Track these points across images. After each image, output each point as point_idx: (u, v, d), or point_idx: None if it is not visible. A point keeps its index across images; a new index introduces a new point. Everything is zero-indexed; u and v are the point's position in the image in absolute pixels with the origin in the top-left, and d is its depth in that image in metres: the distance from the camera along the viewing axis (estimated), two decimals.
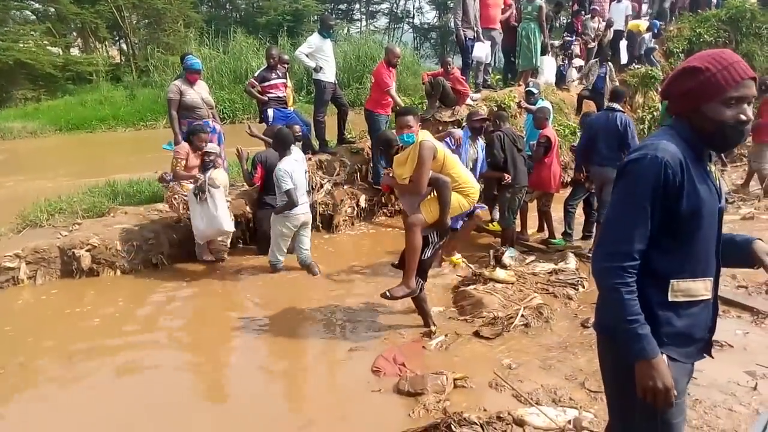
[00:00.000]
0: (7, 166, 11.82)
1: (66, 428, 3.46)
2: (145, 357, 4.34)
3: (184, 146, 6.08)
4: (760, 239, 1.94)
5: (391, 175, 4.39)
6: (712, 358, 1.96)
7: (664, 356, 1.78)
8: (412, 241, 4.12)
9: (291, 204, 5.63)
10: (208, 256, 6.23)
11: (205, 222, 5.76)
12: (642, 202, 1.75)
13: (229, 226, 5.95)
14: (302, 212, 5.79)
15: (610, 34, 11.72)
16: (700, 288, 1.83)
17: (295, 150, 6.08)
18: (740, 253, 1.93)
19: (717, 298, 1.93)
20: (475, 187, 4.45)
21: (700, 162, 1.80)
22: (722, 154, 8.37)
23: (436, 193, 4.17)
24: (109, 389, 3.87)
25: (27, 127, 16.80)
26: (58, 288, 5.60)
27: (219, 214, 5.75)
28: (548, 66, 10.45)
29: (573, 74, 10.97)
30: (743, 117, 1.71)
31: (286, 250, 5.97)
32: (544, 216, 6.76)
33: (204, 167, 5.94)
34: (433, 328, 4.49)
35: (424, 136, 4.17)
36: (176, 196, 6.07)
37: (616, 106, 6.05)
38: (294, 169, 5.70)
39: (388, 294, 4.22)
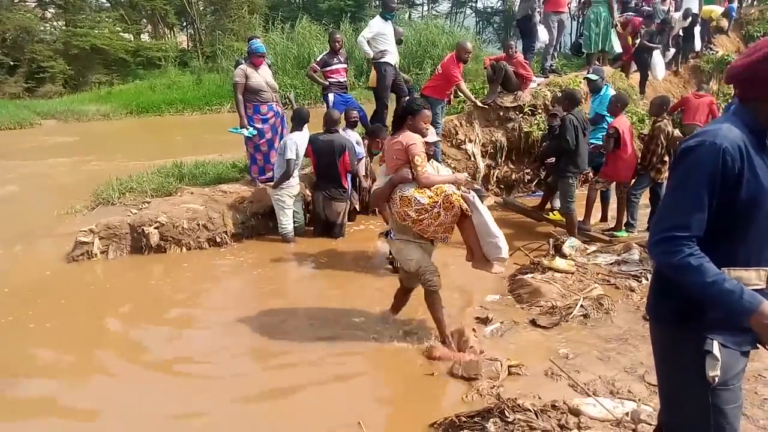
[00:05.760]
0: (82, 147, 12.45)
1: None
2: (208, 330, 4.52)
3: (419, 139, 3.78)
4: None
5: None
6: (766, 349, 1.88)
7: (715, 342, 1.74)
8: None
9: (288, 174, 6.00)
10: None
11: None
12: (699, 190, 1.70)
13: None
14: (299, 183, 6.36)
15: (684, 21, 11.18)
16: (752, 277, 1.76)
17: (352, 133, 6.15)
18: None
19: None
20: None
21: (762, 149, 1.74)
22: None
23: None
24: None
25: (100, 110, 17.67)
26: (129, 262, 5.87)
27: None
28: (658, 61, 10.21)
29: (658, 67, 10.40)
30: None
31: (292, 219, 6.30)
32: (626, 203, 6.49)
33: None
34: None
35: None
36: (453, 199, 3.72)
37: None
38: (301, 144, 6.07)
39: None
